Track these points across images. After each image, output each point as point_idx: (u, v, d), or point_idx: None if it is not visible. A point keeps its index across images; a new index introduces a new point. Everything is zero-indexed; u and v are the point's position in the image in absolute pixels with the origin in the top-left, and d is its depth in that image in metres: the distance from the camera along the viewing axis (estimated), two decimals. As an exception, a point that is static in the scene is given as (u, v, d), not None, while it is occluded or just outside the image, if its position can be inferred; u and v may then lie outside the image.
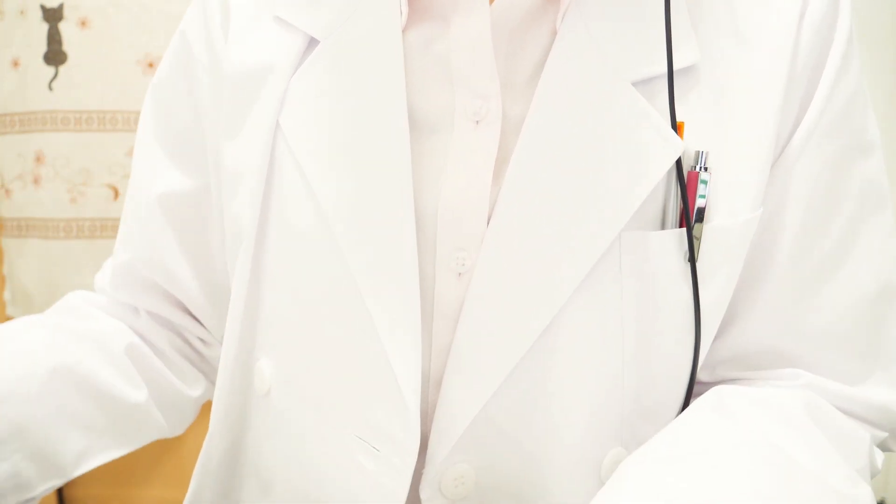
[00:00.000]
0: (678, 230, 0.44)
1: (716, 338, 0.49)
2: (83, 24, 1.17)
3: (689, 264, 0.44)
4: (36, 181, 1.21)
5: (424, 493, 0.45)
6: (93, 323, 0.58)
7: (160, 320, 0.61)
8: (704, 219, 0.44)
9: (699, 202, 0.44)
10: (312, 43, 0.47)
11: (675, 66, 0.43)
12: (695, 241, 0.44)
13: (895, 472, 1.37)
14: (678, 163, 0.43)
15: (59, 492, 1.29)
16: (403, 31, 0.45)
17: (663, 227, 0.44)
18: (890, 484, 1.38)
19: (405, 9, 0.45)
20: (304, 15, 0.48)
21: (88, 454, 0.53)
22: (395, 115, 0.44)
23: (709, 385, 0.49)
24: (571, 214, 0.43)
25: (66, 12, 1.17)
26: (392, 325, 0.44)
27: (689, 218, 0.44)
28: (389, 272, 0.44)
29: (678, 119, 0.44)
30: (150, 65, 1.18)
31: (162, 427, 0.60)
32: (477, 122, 0.44)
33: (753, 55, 0.45)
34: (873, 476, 0.47)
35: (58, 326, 0.56)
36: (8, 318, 1.31)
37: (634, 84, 0.43)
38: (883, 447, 0.50)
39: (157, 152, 0.56)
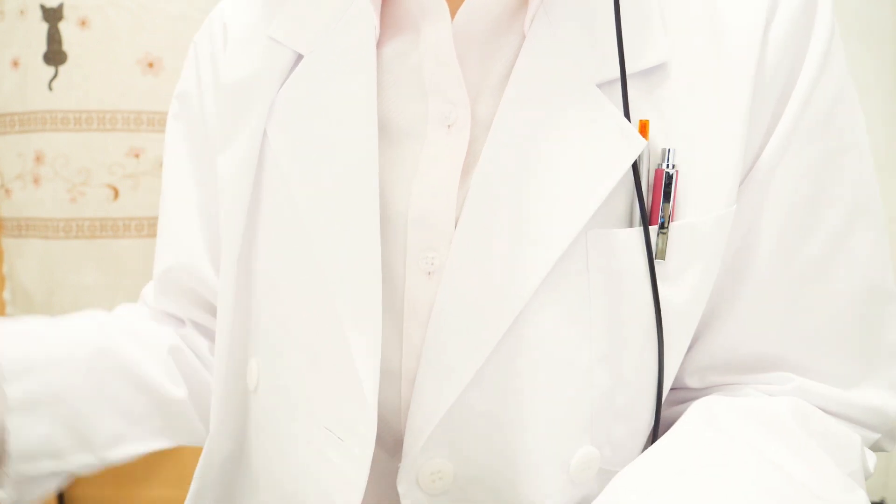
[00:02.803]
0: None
1: (701, 343, 0.49)
2: (83, 23, 1.17)
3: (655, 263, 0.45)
4: (36, 181, 1.21)
5: (402, 487, 0.46)
6: (139, 324, 0.61)
7: (203, 330, 0.64)
8: (673, 216, 0.44)
9: (666, 199, 0.44)
10: (299, 58, 0.51)
11: (644, 66, 0.44)
12: (662, 239, 0.44)
13: (895, 472, 1.37)
14: (635, 161, 0.44)
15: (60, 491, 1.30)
16: (379, 46, 0.49)
17: (630, 224, 0.45)
18: (890, 484, 1.38)
19: (376, 23, 0.48)
20: (292, 33, 0.51)
21: (124, 440, 0.56)
22: (365, 122, 0.46)
23: (700, 391, 0.49)
24: (534, 212, 0.44)
25: (66, 12, 1.17)
26: (355, 322, 0.45)
27: (646, 216, 0.44)
28: (355, 272, 0.46)
29: (643, 117, 0.44)
30: (150, 65, 1.19)
31: (198, 430, 0.62)
32: (448, 126, 0.46)
33: (724, 51, 0.45)
34: (866, 478, 0.46)
35: (107, 319, 0.59)
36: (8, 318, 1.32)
37: (599, 85, 0.44)
38: (875, 448, 0.50)
39: (186, 168, 0.60)
